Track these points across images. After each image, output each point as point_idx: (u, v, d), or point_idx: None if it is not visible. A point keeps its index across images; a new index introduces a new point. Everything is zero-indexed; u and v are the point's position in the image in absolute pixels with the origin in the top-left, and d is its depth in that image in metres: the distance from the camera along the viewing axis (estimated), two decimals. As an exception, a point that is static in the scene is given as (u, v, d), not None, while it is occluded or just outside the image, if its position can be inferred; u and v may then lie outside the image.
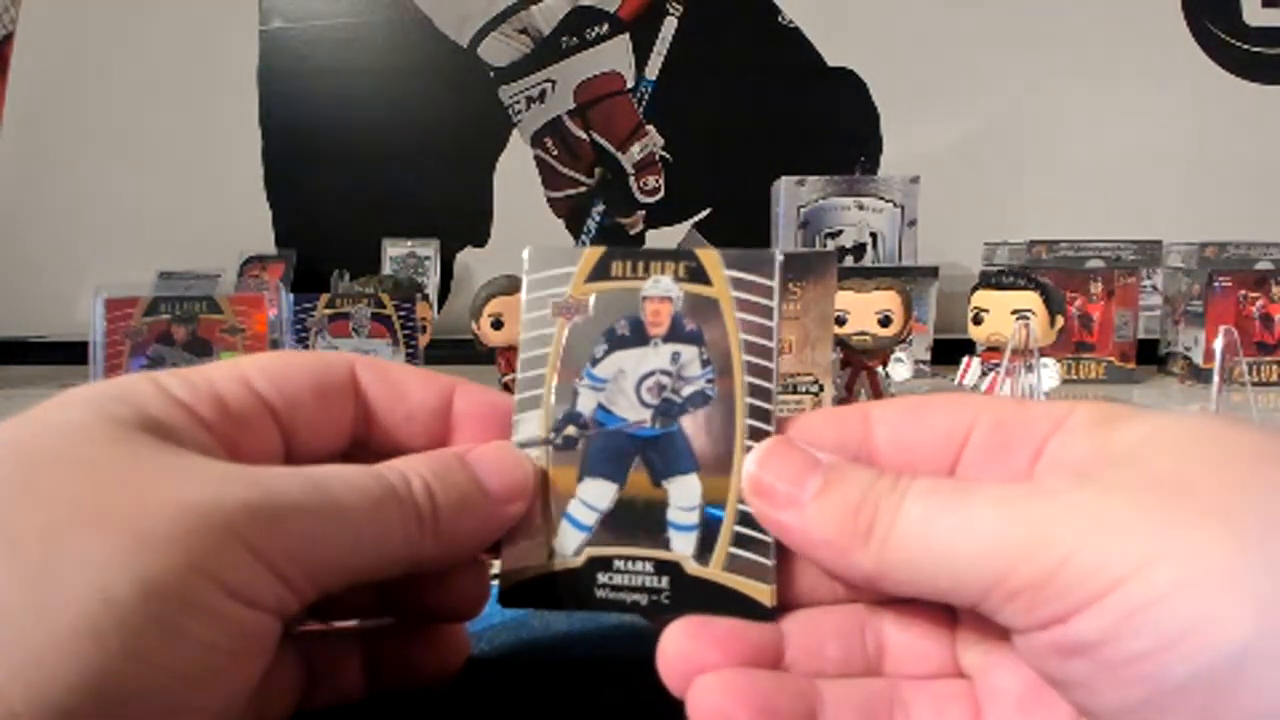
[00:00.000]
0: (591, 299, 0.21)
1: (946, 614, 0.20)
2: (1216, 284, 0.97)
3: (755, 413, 0.20)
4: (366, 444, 0.22)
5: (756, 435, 0.20)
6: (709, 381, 0.21)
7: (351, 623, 0.23)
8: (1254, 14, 1.24)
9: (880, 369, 0.79)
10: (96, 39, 1.33)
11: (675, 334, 0.21)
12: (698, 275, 0.21)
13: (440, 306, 1.29)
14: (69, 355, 0.86)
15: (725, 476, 0.20)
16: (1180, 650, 0.14)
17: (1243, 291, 0.97)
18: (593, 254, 0.21)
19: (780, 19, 1.28)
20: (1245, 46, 1.25)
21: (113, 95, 1.34)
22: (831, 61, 1.28)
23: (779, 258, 0.21)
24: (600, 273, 0.21)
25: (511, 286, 0.85)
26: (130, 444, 0.16)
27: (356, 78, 1.33)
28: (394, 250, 1.28)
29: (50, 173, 1.35)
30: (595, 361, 0.21)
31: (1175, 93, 1.25)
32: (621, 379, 0.21)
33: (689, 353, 0.21)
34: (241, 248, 1.29)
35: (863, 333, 0.77)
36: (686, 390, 0.21)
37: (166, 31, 1.33)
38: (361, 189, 1.32)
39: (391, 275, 1.10)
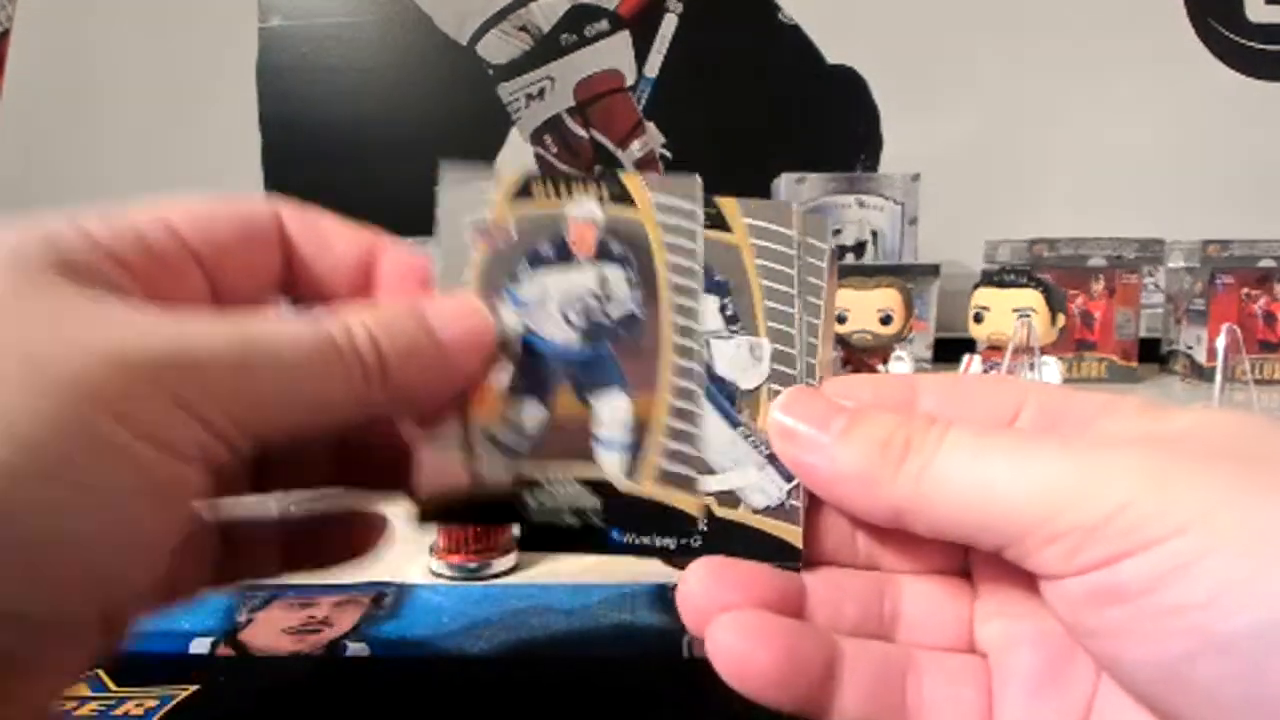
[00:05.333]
0: (512, 222, 0.21)
1: (965, 588, 0.20)
2: (1219, 282, 0.97)
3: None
4: (293, 293, 0.21)
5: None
6: (638, 304, 0.20)
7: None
8: (1257, 10, 1.24)
9: (881, 367, 0.79)
10: (94, 36, 1.33)
11: (602, 255, 0.21)
12: (620, 198, 0.21)
13: (440, 305, 1.29)
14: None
15: (652, 395, 0.20)
16: (1231, 603, 0.14)
17: (1245, 289, 0.97)
18: (512, 176, 0.21)
19: (780, 16, 1.28)
20: (1248, 43, 1.24)
21: (110, 93, 1.34)
22: (831, 59, 1.28)
23: (796, 207, 0.21)
24: (521, 194, 0.21)
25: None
26: (42, 285, 0.15)
27: (355, 75, 1.32)
28: (393, 248, 1.27)
29: (47, 171, 1.35)
30: (517, 281, 0.21)
31: (1177, 90, 1.24)
32: (546, 300, 0.21)
33: (615, 274, 0.20)
34: (240, 246, 1.29)
35: (863, 331, 0.77)
36: (616, 312, 0.20)
37: (164, 28, 1.32)
38: (360, 186, 1.31)
39: (391, 273, 1.10)
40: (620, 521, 0.20)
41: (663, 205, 0.21)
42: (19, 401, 0.14)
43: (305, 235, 0.21)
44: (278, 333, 0.17)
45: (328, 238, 0.21)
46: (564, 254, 0.21)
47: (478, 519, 0.21)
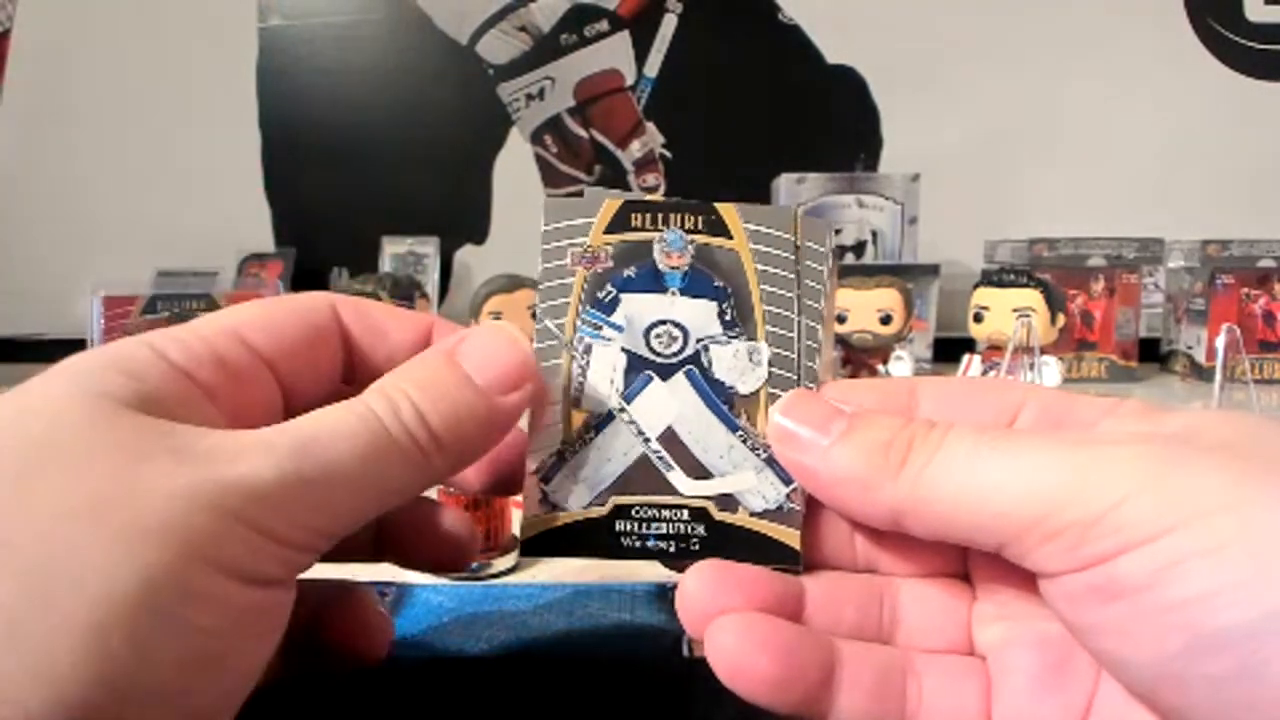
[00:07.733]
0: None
1: (963, 591, 0.20)
2: (1219, 282, 0.97)
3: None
4: (352, 383, 0.21)
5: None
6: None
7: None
8: (1256, 10, 1.24)
9: (881, 367, 0.79)
10: (95, 36, 1.33)
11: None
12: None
13: (439, 304, 1.29)
14: (67, 353, 0.86)
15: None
16: (1227, 600, 0.14)
17: (1245, 289, 0.97)
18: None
19: (780, 16, 1.28)
20: (1247, 43, 1.24)
21: (111, 93, 1.33)
22: (831, 59, 1.28)
23: (798, 210, 0.21)
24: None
25: (511, 284, 0.85)
26: (119, 428, 0.15)
27: (355, 75, 1.32)
28: (393, 248, 1.27)
29: (48, 170, 1.35)
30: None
31: (1177, 89, 1.24)
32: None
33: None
34: (240, 246, 1.29)
35: (864, 331, 0.77)
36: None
37: (164, 28, 1.32)
38: (360, 186, 1.31)
39: (390, 273, 1.10)
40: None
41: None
42: (112, 559, 0.14)
43: (361, 326, 0.21)
44: (334, 434, 0.17)
45: (382, 325, 0.22)
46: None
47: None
